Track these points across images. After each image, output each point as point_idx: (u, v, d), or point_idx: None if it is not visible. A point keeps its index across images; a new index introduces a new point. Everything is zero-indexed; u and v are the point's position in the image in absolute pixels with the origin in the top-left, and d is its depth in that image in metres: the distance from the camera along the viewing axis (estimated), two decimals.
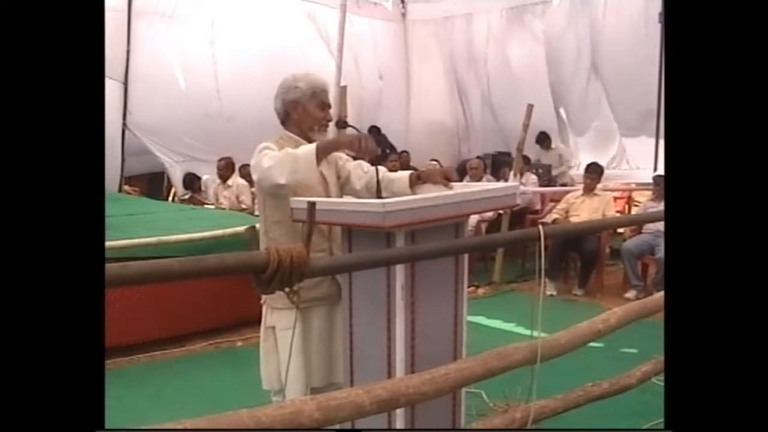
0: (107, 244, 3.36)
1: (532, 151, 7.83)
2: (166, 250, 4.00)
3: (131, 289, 3.72)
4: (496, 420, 2.38)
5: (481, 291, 5.64)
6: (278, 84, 2.37)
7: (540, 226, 2.00)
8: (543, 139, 8.04)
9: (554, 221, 5.65)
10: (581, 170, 6.38)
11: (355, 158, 2.35)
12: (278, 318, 2.28)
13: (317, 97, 2.33)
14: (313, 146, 2.11)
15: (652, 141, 7.27)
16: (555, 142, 8.24)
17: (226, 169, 6.87)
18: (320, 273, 1.76)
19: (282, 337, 2.26)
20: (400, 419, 1.97)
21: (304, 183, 2.16)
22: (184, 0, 7.50)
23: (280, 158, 2.10)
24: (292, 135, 2.33)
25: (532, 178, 7.11)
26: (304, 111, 2.32)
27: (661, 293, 2.51)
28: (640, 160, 7.67)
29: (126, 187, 7.39)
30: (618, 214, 6.12)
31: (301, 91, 2.30)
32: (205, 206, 6.66)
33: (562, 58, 8.14)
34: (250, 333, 4.07)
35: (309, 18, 8.39)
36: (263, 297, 2.33)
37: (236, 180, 6.87)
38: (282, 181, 2.09)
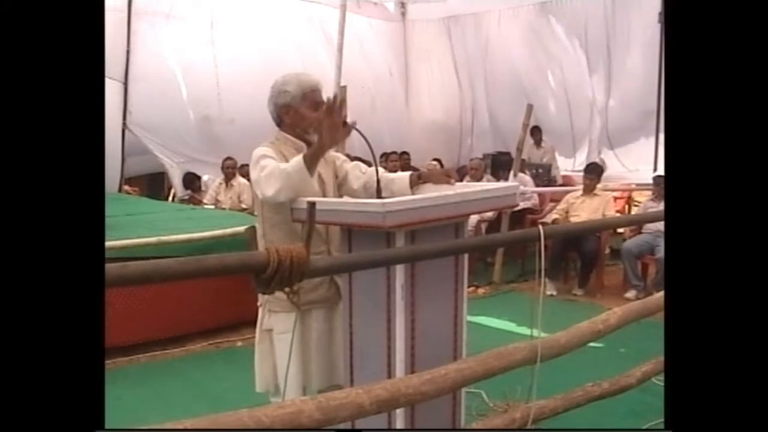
0: (107, 244, 3.37)
1: (524, 147, 7.77)
2: (166, 250, 4.00)
3: (131, 289, 3.72)
4: (496, 420, 2.39)
5: (481, 291, 5.64)
6: (270, 86, 2.33)
7: (540, 226, 2.00)
8: (535, 133, 7.97)
9: (554, 221, 5.65)
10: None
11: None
12: (275, 321, 2.27)
13: (308, 98, 2.27)
14: (300, 159, 2.04)
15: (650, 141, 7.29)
16: (545, 140, 8.22)
17: (231, 170, 6.88)
18: (320, 273, 1.76)
19: (279, 341, 2.25)
20: (400, 419, 1.97)
21: (304, 194, 2.11)
22: (183, 0, 7.50)
23: (274, 176, 2.07)
24: (288, 136, 2.30)
25: (526, 178, 7.10)
26: (296, 114, 2.27)
27: (661, 293, 2.51)
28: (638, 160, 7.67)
29: (126, 188, 7.39)
30: (618, 214, 6.12)
31: (290, 95, 2.25)
32: (205, 206, 6.66)
33: (560, 59, 8.13)
34: (250, 333, 4.02)
35: (309, 18, 8.39)
36: (260, 299, 2.32)
37: (238, 179, 6.87)
38: (282, 198, 2.07)
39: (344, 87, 6.50)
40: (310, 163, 2.04)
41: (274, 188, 2.07)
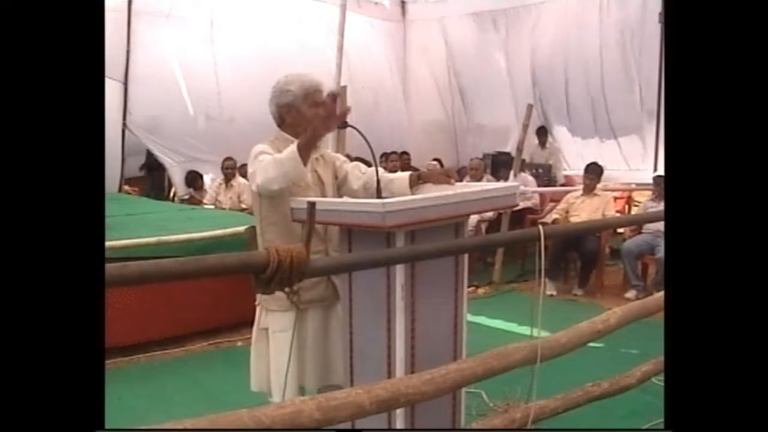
0: (107, 244, 3.36)
1: (527, 148, 7.69)
2: (166, 250, 4.00)
3: (131, 289, 3.72)
4: (496, 420, 2.38)
5: (481, 291, 5.64)
6: (272, 86, 2.34)
7: (540, 226, 2.00)
8: (540, 134, 7.94)
9: (554, 221, 5.65)
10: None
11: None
12: (272, 320, 2.27)
13: (310, 98, 2.28)
14: (293, 147, 2.06)
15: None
16: (550, 140, 8.19)
17: (231, 170, 6.88)
18: (320, 273, 1.76)
19: (275, 340, 2.25)
20: (400, 419, 1.97)
21: (297, 182, 2.14)
22: (183, 0, 7.50)
23: (268, 165, 2.08)
24: (287, 136, 2.30)
25: (528, 178, 7.09)
26: (298, 114, 2.28)
27: (661, 293, 2.51)
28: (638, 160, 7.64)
29: (126, 187, 7.38)
30: (618, 214, 6.12)
31: (293, 95, 2.26)
32: (204, 206, 6.65)
33: (560, 59, 8.12)
34: (249, 333, 4.02)
35: (309, 17, 8.38)
36: (258, 298, 2.32)
37: (238, 179, 6.88)
38: (275, 187, 2.08)
39: (344, 87, 6.50)
40: (303, 150, 2.04)
41: (267, 176, 2.07)
